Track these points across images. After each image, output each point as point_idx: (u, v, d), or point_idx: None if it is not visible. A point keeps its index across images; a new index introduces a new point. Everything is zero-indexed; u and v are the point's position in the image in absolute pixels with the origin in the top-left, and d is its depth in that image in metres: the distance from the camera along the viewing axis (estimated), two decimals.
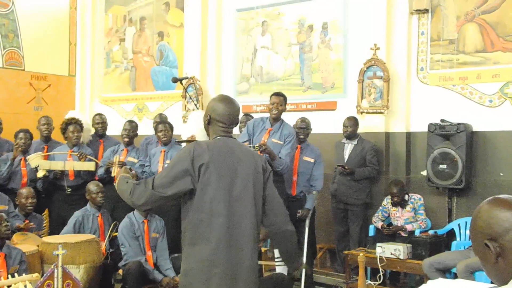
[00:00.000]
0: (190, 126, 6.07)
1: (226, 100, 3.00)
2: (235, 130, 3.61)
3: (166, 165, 5.93)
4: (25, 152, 6.39)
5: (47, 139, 6.82)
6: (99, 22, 9.54)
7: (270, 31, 7.65)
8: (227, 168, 2.82)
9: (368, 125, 6.56)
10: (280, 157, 5.35)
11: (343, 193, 6.26)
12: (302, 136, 5.82)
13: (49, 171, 6.26)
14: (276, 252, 5.64)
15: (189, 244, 2.79)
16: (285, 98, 5.61)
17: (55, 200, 6.39)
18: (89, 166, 6.39)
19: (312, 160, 5.81)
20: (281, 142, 5.50)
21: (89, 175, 6.39)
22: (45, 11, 9.30)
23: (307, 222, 5.39)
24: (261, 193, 2.93)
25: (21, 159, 6.32)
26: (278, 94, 5.62)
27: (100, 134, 7.11)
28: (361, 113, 6.57)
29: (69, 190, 6.34)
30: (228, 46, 8.07)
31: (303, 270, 5.02)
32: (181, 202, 2.88)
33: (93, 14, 9.55)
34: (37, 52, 9.12)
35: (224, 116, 2.93)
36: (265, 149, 5.27)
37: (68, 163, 6.34)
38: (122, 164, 6.01)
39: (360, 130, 6.42)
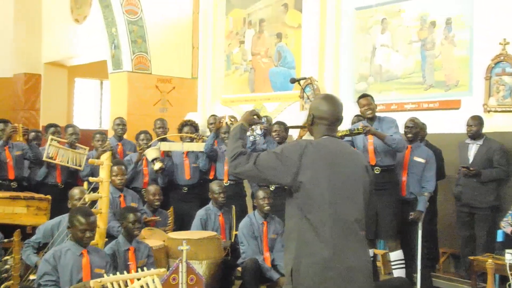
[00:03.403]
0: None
1: (329, 99, 2.95)
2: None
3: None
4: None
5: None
6: (220, 25, 9.83)
7: (390, 29, 7.46)
8: (337, 168, 2.77)
9: (495, 124, 6.19)
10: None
11: (468, 196, 5.96)
12: (409, 135, 5.67)
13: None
14: (393, 255, 5.52)
15: (298, 244, 2.73)
16: (372, 98, 5.58)
17: (172, 198, 6.71)
18: (199, 146, 6.76)
19: (423, 161, 5.62)
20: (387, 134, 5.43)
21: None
22: (170, 17, 9.76)
23: (420, 225, 5.24)
24: (367, 194, 2.87)
25: (143, 159, 6.67)
26: (364, 96, 5.60)
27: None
28: (488, 111, 6.22)
29: (185, 188, 6.64)
30: (346, 46, 7.98)
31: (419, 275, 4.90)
32: (286, 201, 2.85)
33: (214, 18, 9.85)
34: (163, 56, 9.59)
35: (327, 115, 2.88)
36: (369, 130, 5.21)
37: (186, 144, 6.74)
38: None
39: (486, 129, 6.07)
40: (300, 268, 2.70)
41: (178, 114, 8.44)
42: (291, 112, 8.34)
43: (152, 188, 6.09)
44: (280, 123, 6.49)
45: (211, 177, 6.69)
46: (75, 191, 5.32)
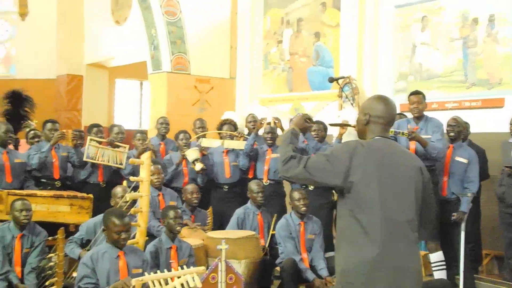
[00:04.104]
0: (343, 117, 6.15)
1: (385, 100, 2.96)
2: None
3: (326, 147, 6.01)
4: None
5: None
6: (258, 25, 9.84)
7: (430, 27, 7.34)
8: (389, 169, 2.76)
9: None
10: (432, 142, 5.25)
11: None
12: (452, 134, 5.58)
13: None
14: (433, 257, 5.43)
15: (349, 244, 2.75)
16: (423, 96, 5.50)
17: (213, 197, 6.74)
18: (240, 144, 6.76)
19: (465, 161, 5.51)
20: (430, 137, 5.37)
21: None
22: (209, 17, 9.82)
23: (463, 226, 5.14)
24: (420, 196, 2.84)
25: (183, 159, 6.73)
26: (416, 93, 5.53)
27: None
28: None
29: (225, 187, 6.67)
30: (385, 44, 7.89)
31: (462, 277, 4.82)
32: (338, 201, 2.87)
33: (252, 18, 9.87)
34: (201, 57, 9.66)
35: (384, 115, 2.89)
36: (414, 136, 5.16)
37: (226, 141, 6.80)
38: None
39: None
40: (350, 267, 2.72)
41: (217, 114, 8.48)
42: (329, 111, 8.29)
43: (189, 187, 6.14)
44: (319, 123, 6.47)
45: (250, 176, 6.69)
46: (118, 190, 5.42)
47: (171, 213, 4.77)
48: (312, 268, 5.28)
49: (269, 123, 6.58)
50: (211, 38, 9.85)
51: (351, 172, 2.72)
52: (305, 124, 3.11)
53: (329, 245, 5.79)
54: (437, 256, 5.37)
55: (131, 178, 4.78)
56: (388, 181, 2.74)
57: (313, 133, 6.35)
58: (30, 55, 12.31)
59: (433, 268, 5.42)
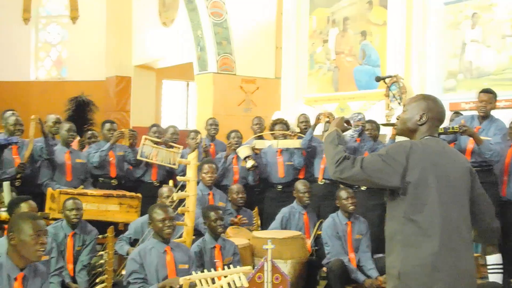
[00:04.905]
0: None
1: (436, 99, 2.93)
2: None
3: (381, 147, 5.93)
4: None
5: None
6: (303, 25, 9.81)
7: (481, 23, 7.16)
8: (443, 168, 2.74)
9: None
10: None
11: None
12: None
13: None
14: (490, 259, 5.28)
15: (405, 246, 2.71)
16: (494, 95, 5.28)
17: (266, 197, 6.73)
18: (295, 143, 6.69)
19: None
20: (490, 139, 5.18)
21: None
22: (254, 18, 9.86)
23: None
24: (469, 194, 2.81)
25: (233, 158, 6.78)
26: (487, 91, 5.31)
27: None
28: None
29: (279, 187, 6.65)
30: (433, 42, 7.74)
31: None
32: (388, 202, 2.83)
33: (298, 18, 9.84)
34: (247, 57, 9.71)
35: (440, 115, 2.89)
36: (466, 130, 5.00)
37: (280, 140, 6.74)
38: None
39: None
40: (409, 270, 2.68)
41: (262, 114, 8.50)
42: (376, 111, 8.19)
43: (235, 186, 6.17)
44: (372, 122, 6.39)
45: (301, 177, 6.58)
46: (164, 190, 5.50)
47: (212, 215, 4.77)
48: (360, 268, 5.22)
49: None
50: (257, 38, 9.88)
51: (408, 172, 2.70)
52: (345, 126, 3.09)
53: (379, 247, 5.71)
54: (494, 259, 5.21)
55: (178, 177, 4.84)
56: (443, 181, 2.72)
57: (366, 132, 6.28)
58: (81, 58, 12.63)
59: (489, 271, 5.26)
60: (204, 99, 9.70)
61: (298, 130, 7.42)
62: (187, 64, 10.62)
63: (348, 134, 5.57)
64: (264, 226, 6.29)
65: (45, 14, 13.12)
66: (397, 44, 8.10)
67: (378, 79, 6.27)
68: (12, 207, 4.35)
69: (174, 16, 11.20)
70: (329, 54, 9.38)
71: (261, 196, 6.73)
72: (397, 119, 3.00)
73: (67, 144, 6.32)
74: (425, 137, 2.84)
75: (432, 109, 2.86)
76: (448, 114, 6.74)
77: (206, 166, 6.02)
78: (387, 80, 7.28)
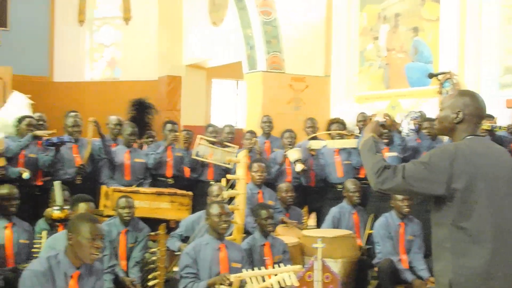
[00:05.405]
0: None
1: (474, 95, 2.76)
2: None
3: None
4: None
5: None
6: (353, 22, 9.71)
7: None
8: (490, 171, 2.60)
9: None
10: None
11: None
12: None
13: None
14: None
15: (454, 254, 2.59)
16: None
17: (326, 197, 6.64)
18: (351, 143, 6.60)
19: None
20: None
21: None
22: (304, 15, 9.81)
23: None
24: None
25: (286, 158, 6.73)
26: None
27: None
28: None
29: (339, 186, 6.58)
30: (489, 37, 7.51)
31: None
32: (433, 208, 2.70)
33: (348, 15, 9.75)
34: (296, 55, 9.67)
35: (479, 111, 2.71)
36: None
37: (337, 141, 6.70)
38: None
39: None
40: (461, 280, 2.57)
41: (312, 113, 8.45)
42: (428, 108, 8.01)
43: (284, 185, 6.14)
44: (430, 120, 6.21)
45: (362, 176, 6.38)
46: (214, 188, 5.55)
47: (263, 213, 4.80)
48: (411, 269, 5.13)
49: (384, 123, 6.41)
50: (306, 36, 9.83)
51: (454, 179, 2.55)
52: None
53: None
54: None
55: (228, 176, 4.88)
56: (491, 184, 2.59)
57: (424, 130, 6.10)
58: (133, 58, 12.86)
59: None
60: (253, 97, 9.73)
61: (357, 130, 7.30)
62: (236, 63, 10.67)
63: (403, 132, 5.46)
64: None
65: (99, 16, 13.44)
66: (451, 39, 7.92)
67: (431, 75, 6.14)
68: (74, 203, 4.52)
69: (223, 16, 11.27)
70: (380, 51, 9.25)
71: (319, 195, 6.67)
72: (436, 118, 2.85)
73: (128, 145, 6.51)
74: (467, 137, 2.69)
75: (469, 106, 2.69)
76: (506, 112, 6.55)
77: (255, 165, 6.04)
78: (440, 76, 7.14)
